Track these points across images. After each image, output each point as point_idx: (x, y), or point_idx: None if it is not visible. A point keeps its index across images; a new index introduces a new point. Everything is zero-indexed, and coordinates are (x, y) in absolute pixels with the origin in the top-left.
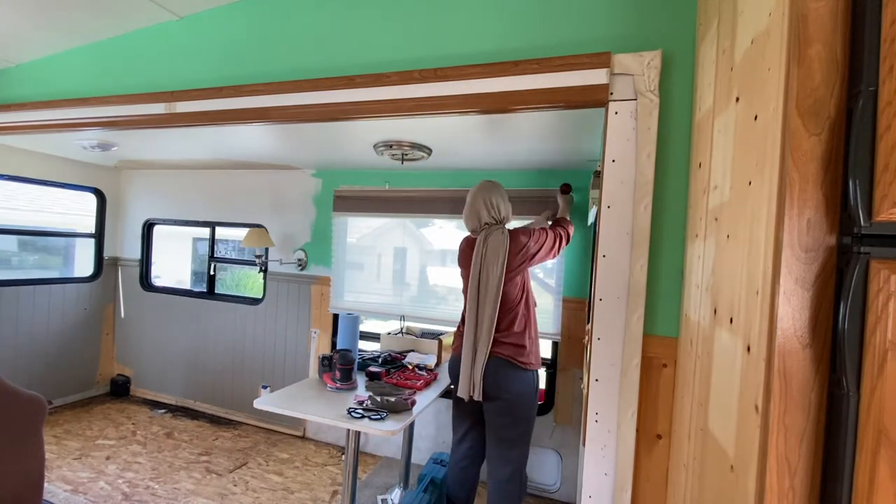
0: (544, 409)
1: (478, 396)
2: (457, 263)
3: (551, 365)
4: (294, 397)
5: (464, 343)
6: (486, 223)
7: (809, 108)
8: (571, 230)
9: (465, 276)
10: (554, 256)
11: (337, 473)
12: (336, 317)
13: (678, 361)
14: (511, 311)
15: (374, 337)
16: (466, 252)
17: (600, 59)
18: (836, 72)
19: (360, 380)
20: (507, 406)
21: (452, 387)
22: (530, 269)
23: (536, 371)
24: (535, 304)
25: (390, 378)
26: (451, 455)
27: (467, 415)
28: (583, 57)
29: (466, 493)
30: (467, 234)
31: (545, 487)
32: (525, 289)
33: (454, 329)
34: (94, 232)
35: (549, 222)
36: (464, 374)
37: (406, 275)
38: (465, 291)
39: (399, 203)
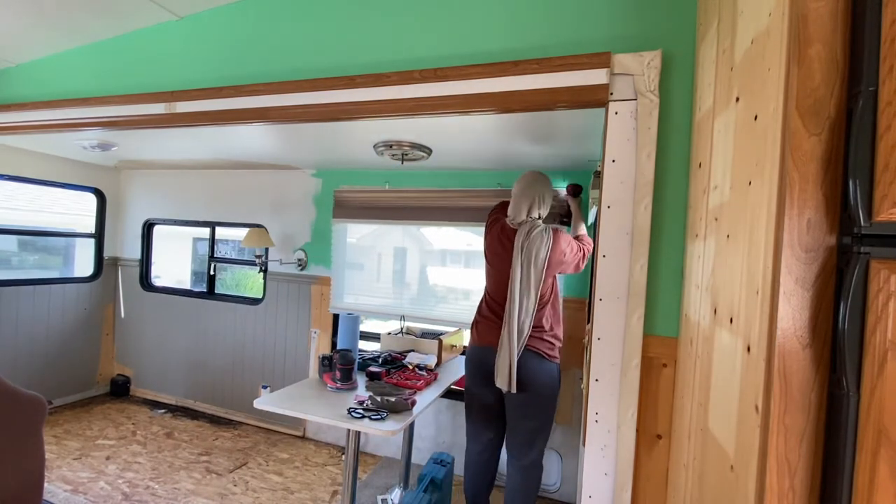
0: None
1: (514, 389)
2: (484, 248)
3: None
4: (294, 397)
5: (502, 335)
6: (532, 218)
7: (809, 108)
8: (591, 248)
9: (494, 262)
10: (576, 272)
11: (337, 473)
12: (336, 317)
13: (678, 361)
14: (543, 307)
15: (374, 337)
16: (501, 240)
17: (600, 59)
18: (836, 72)
19: (361, 380)
20: (535, 396)
21: (468, 378)
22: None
23: (559, 364)
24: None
25: (390, 378)
26: (471, 447)
27: (489, 407)
28: (583, 57)
29: (488, 484)
30: (486, 221)
31: (545, 487)
32: (554, 288)
33: (454, 329)
34: (94, 232)
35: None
36: (504, 365)
37: (406, 275)
38: (489, 276)
39: (399, 211)
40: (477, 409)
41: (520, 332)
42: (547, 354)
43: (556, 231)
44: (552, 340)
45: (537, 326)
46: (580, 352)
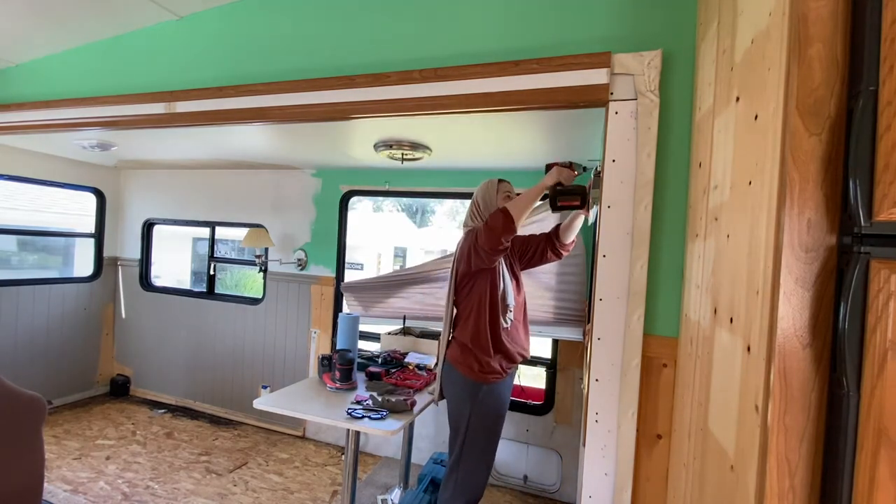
0: (544, 409)
1: (436, 398)
2: None
3: (551, 365)
4: (294, 397)
5: None
6: (475, 224)
7: (809, 107)
8: (493, 221)
9: None
10: (477, 255)
11: (337, 473)
12: (336, 316)
13: (678, 361)
14: (459, 311)
15: (374, 337)
16: None
17: (600, 59)
18: (837, 72)
19: (360, 380)
20: (448, 406)
21: None
22: (520, 270)
23: (476, 382)
24: (509, 309)
25: (390, 378)
26: None
27: None
28: (583, 57)
29: None
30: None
31: (545, 487)
32: (473, 292)
33: None
34: (93, 232)
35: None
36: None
37: None
38: None
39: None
40: None
41: (442, 339)
42: (454, 360)
43: (469, 232)
44: (458, 348)
45: (454, 332)
46: (580, 352)
